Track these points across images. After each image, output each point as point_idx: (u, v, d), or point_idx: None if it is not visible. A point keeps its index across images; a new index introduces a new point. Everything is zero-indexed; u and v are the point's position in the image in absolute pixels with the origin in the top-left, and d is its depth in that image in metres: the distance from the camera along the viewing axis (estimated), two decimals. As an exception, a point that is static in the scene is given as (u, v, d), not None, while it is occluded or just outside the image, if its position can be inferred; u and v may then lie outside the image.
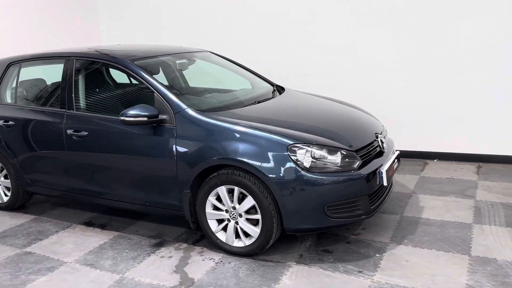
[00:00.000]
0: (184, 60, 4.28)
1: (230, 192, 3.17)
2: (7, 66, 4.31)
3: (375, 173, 3.17)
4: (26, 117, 4.03)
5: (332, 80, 5.42)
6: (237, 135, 3.12)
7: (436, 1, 4.76)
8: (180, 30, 6.27)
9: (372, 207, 3.19)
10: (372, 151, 3.31)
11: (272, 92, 4.19)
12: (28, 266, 3.30)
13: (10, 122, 4.11)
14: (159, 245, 3.51)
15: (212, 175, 3.19)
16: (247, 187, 3.05)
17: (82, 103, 3.80)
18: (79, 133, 3.68)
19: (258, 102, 3.78)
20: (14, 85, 4.27)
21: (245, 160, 3.02)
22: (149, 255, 3.35)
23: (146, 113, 3.24)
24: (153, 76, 3.57)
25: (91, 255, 3.43)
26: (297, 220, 3.02)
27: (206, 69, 4.67)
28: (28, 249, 3.57)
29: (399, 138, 5.15)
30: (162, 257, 3.32)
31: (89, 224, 4.02)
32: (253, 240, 3.14)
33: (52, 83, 4.20)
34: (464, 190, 4.16)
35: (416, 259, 3.03)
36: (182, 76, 4.61)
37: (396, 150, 3.66)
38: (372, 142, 3.37)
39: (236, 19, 5.88)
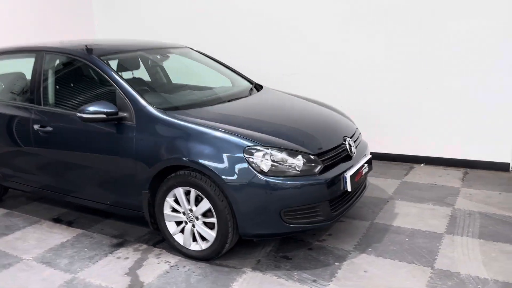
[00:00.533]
0: (158, 56, 4.18)
1: (188, 194, 3.07)
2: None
3: (339, 178, 3.04)
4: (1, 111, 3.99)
5: (323, 80, 5.28)
6: (194, 135, 3.02)
7: (427, 2, 4.56)
8: (176, 27, 6.17)
9: (334, 213, 3.06)
10: (337, 155, 3.18)
11: (250, 91, 4.08)
12: (-16, 262, 3.26)
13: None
14: (119, 245, 3.44)
15: (170, 176, 3.10)
16: (203, 189, 2.95)
17: (49, 98, 3.74)
18: (45, 129, 3.63)
19: (229, 101, 3.67)
20: (-12, 78, 4.24)
21: (200, 161, 2.92)
22: (106, 255, 3.28)
23: (104, 110, 3.16)
24: (119, 72, 3.51)
25: (50, 252, 3.38)
26: (252, 225, 2.91)
27: (186, 66, 4.58)
28: (-13, 244, 3.54)
29: (387, 141, 5.01)
30: (118, 258, 3.24)
31: (57, 220, 3.97)
32: (209, 244, 3.05)
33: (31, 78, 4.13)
34: (444, 198, 3.99)
35: (376, 269, 2.89)
36: (164, 72, 4.54)
37: (368, 154, 3.51)
38: (339, 145, 3.23)
39: (230, 18, 5.74)
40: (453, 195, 4.03)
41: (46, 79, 3.77)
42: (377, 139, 5.11)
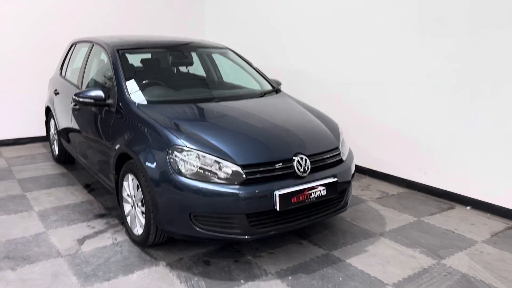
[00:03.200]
0: (176, 54, 4.46)
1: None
2: (71, 45, 5.23)
3: (265, 194, 2.87)
4: (63, 88, 4.86)
5: (374, 93, 4.82)
6: (141, 127, 3.23)
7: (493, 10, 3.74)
8: (263, 34, 6.40)
9: (257, 230, 2.91)
10: (276, 170, 2.97)
11: (261, 94, 4.08)
12: (10, 205, 4.08)
13: (57, 91, 5.03)
14: (100, 216, 3.88)
15: (126, 162, 3.37)
16: (138, 179, 3.14)
17: (85, 81, 4.39)
18: (76, 107, 4.29)
19: (218, 101, 3.74)
20: (67, 60, 5.16)
21: (134, 152, 3.12)
22: (83, 222, 3.76)
23: (92, 95, 3.61)
24: (126, 65, 3.89)
25: (54, 209, 4.02)
26: (166, 222, 2.98)
27: (222, 65, 4.79)
28: (24, 193, 4.39)
29: (432, 172, 4.35)
30: (88, 225, 3.68)
31: (87, 186, 4.65)
32: (141, 231, 3.23)
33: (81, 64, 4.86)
34: (444, 248, 3.30)
35: (268, 298, 2.66)
36: (216, 70, 4.85)
37: (331, 177, 3.15)
38: (282, 161, 3.01)
39: (297, 29, 5.69)
40: (459, 248, 3.30)
41: (87, 65, 4.44)
42: (422, 168, 4.47)
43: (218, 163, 2.89)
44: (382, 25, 4.66)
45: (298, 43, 5.76)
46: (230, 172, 2.87)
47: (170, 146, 2.97)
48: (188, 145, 2.96)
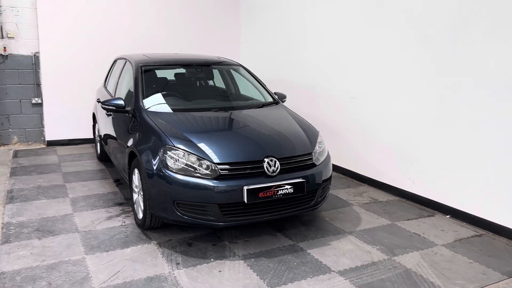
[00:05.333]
0: (188, 70, 5.16)
1: (143, 174, 3.98)
2: (114, 61, 6.14)
3: (236, 188, 3.43)
4: (103, 97, 5.75)
5: (373, 107, 5.21)
6: (144, 129, 3.94)
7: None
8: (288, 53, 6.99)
9: (229, 218, 3.48)
10: (248, 168, 3.53)
11: (260, 105, 4.66)
12: (51, 192, 4.96)
13: (99, 100, 5.93)
14: (119, 204, 4.63)
15: (133, 159, 4.08)
16: (140, 172, 3.83)
17: (118, 90, 5.21)
18: (108, 113, 5.12)
19: (215, 111, 4.36)
20: (110, 74, 6.06)
21: (138, 150, 3.82)
22: (103, 208, 4.52)
23: (114, 103, 4.39)
24: (146, 78, 4.65)
25: (84, 197, 4.83)
26: (157, 208, 3.64)
27: (235, 79, 5.42)
28: (64, 184, 5.27)
29: (422, 182, 4.65)
30: (106, 211, 4.44)
31: (116, 180, 5.46)
32: (141, 216, 3.92)
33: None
34: (401, 248, 3.65)
35: (229, 272, 3.20)
36: (234, 84, 5.51)
37: (300, 178, 3.64)
38: (254, 161, 3.56)
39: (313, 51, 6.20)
40: (416, 249, 3.64)
41: (120, 78, 5.27)
42: (411, 177, 4.79)
43: (199, 160, 3.51)
44: (377, 48, 5.06)
45: (311, 62, 6.25)
46: (207, 168, 3.47)
47: (162, 146, 3.63)
48: (177, 145, 3.60)
